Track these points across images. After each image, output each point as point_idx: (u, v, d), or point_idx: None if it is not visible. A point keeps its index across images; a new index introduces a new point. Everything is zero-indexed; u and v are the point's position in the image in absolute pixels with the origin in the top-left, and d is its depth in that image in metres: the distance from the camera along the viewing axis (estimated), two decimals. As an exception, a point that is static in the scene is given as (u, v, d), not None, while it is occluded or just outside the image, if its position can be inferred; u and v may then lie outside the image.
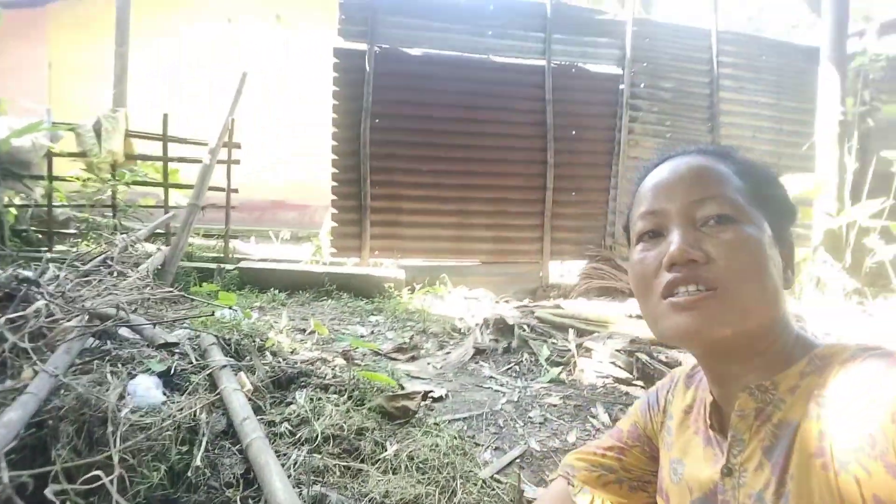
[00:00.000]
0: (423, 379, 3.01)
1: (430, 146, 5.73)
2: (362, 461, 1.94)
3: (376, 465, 1.93)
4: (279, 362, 2.40)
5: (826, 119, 5.21)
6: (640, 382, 2.91)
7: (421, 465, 1.95)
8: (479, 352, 3.48)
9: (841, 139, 5.20)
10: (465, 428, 2.36)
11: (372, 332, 4.00)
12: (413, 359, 3.45)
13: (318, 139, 7.38)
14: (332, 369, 2.56)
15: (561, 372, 3.08)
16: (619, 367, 2.98)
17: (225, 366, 2.09)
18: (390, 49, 5.60)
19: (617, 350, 3.07)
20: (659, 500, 0.88)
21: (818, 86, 5.35)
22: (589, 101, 6.08)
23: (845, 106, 5.23)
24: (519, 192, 5.95)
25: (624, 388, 2.91)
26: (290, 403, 2.12)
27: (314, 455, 1.85)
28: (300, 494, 1.59)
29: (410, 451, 2.01)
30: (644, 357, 2.94)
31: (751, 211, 0.72)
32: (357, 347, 3.14)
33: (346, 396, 2.24)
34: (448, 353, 3.61)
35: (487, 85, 5.80)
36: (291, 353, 2.80)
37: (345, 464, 1.87)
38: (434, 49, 5.70)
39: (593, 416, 2.62)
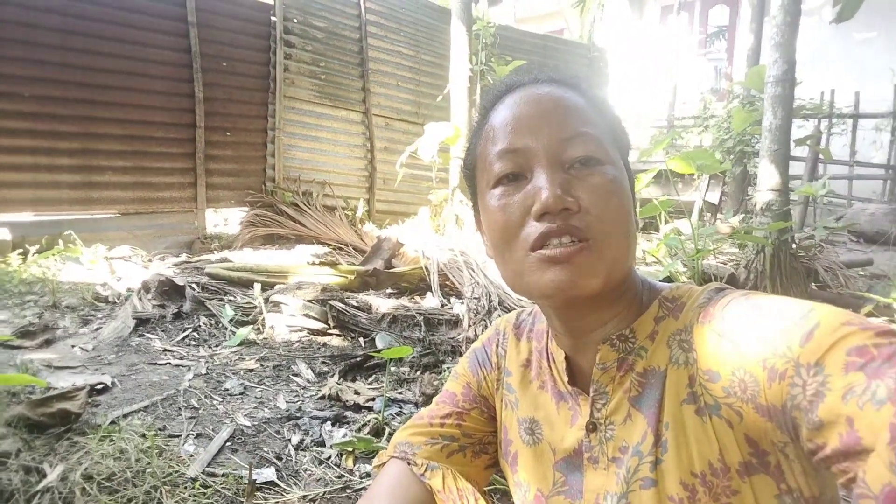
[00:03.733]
0: (73, 368, 2.35)
1: (35, 63, 4.38)
2: (11, 501, 1.38)
3: (36, 501, 1.40)
4: None
5: (458, 74, 5.84)
6: (336, 331, 2.85)
7: (106, 484, 1.50)
8: (142, 322, 2.91)
9: (470, 93, 5.95)
10: (151, 419, 1.92)
11: (-28, 316, 2.95)
12: (48, 343, 2.67)
13: None
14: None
15: (249, 332, 2.79)
16: (314, 317, 2.85)
17: None
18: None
19: (308, 301, 2.93)
20: (503, 464, 0.81)
21: (451, 43, 5.95)
22: (241, 31, 5.48)
23: (472, 63, 5.98)
24: (163, 129, 5.07)
25: (321, 339, 2.81)
26: None
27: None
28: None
29: (86, 469, 1.52)
30: (338, 304, 2.87)
31: (611, 150, 0.66)
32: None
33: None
34: (98, 329, 2.92)
35: (113, -7, 4.69)
36: None
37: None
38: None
39: (296, 375, 2.45)
